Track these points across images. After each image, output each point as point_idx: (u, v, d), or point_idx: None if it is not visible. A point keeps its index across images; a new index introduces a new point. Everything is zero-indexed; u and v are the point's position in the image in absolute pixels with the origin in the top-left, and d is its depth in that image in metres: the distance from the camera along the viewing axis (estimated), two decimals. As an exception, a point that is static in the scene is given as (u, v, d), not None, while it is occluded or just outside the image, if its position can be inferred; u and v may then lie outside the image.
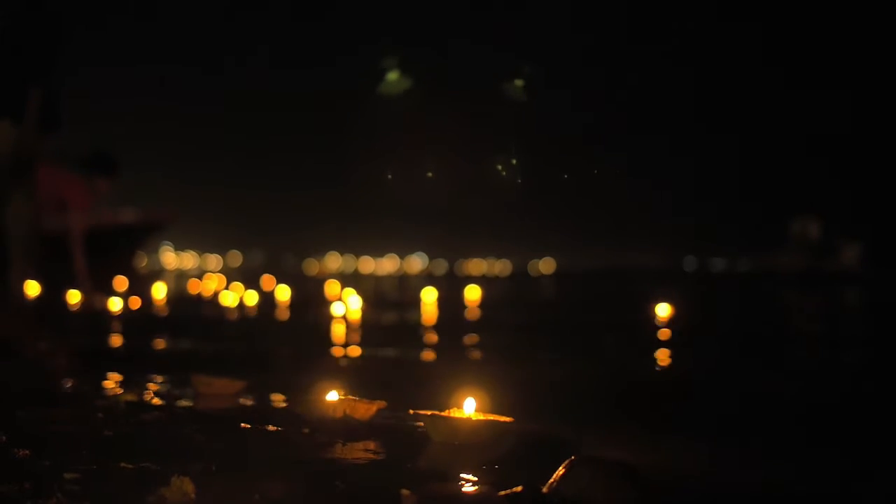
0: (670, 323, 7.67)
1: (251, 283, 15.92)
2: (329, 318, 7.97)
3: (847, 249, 35.22)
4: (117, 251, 13.72)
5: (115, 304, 8.56)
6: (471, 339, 6.62)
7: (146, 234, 14.91)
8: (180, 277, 22.41)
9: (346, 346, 5.83)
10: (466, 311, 10.39)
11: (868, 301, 15.54)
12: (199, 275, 25.39)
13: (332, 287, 14.54)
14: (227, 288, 13.79)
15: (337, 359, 5.18)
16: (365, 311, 8.91)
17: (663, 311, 8.12)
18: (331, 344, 6.00)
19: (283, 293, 12.06)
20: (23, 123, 6.01)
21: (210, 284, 16.60)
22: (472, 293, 13.15)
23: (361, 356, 5.32)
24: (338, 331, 6.94)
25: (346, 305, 8.71)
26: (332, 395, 2.87)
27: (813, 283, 25.95)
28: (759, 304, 14.33)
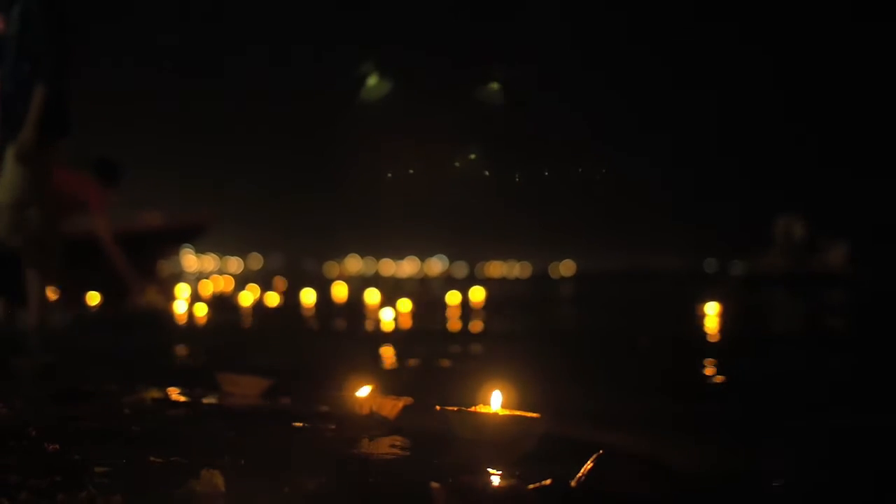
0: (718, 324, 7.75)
1: (270, 285, 16.00)
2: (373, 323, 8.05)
3: (833, 249, 34.60)
4: (140, 257, 13.74)
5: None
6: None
7: (179, 239, 14.89)
8: (200, 280, 22.55)
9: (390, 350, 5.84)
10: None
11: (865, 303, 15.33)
12: (208, 277, 25.57)
13: (339, 289, 14.64)
14: (241, 290, 13.89)
15: (366, 358, 5.20)
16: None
17: (711, 310, 8.26)
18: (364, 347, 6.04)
19: (308, 296, 12.13)
20: (24, 122, 5.99)
21: (219, 286, 16.78)
22: (478, 294, 13.21)
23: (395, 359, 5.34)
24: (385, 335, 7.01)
25: (396, 310, 8.77)
26: (363, 392, 2.88)
27: (804, 284, 25.65)
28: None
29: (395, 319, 8.16)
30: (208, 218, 14.62)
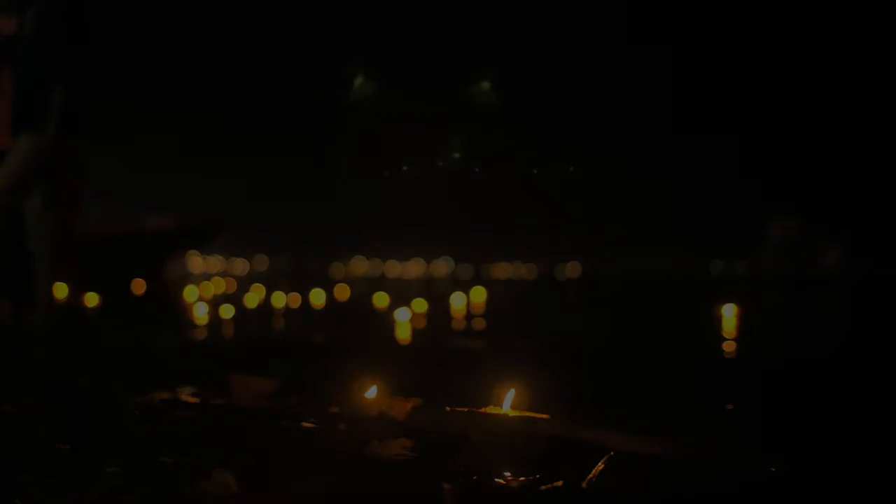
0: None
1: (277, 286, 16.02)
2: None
3: (828, 250, 34.32)
4: (143, 258, 13.70)
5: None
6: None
7: (188, 242, 14.80)
8: (202, 282, 22.62)
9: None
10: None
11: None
12: (211, 279, 25.65)
13: (342, 291, 14.67)
14: (246, 291, 13.93)
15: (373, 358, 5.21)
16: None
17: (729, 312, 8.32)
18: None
19: (318, 297, 12.16)
20: (37, 124, 5.98)
21: (220, 287, 16.83)
22: (479, 295, 13.20)
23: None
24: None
25: (411, 311, 8.81)
26: (371, 392, 2.87)
27: (799, 285, 25.55)
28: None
29: (410, 321, 8.20)
30: (218, 222, 14.59)
